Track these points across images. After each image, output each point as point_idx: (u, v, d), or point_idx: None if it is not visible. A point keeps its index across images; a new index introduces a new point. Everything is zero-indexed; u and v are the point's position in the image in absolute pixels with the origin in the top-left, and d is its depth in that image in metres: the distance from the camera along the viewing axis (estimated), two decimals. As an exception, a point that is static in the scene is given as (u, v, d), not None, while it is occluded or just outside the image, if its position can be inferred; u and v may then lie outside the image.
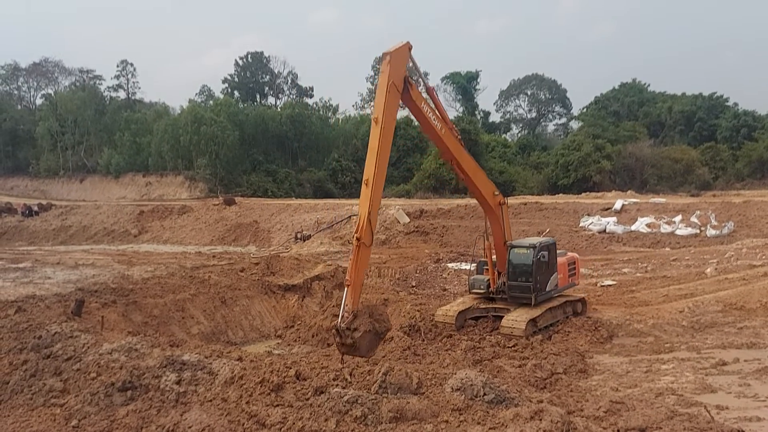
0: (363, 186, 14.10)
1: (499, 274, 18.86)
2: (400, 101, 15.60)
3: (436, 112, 16.92)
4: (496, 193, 18.57)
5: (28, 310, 16.66)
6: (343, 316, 12.81)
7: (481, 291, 19.15)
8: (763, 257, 26.03)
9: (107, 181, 77.01)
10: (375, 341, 13.33)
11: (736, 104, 73.44)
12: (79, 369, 12.39)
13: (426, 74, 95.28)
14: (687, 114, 73.49)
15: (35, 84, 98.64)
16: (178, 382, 11.39)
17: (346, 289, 13.21)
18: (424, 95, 16.56)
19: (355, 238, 13.59)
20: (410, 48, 15.95)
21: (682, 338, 17.53)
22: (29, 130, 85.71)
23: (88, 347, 13.05)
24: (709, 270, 25.20)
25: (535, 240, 19.65)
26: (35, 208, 61.07)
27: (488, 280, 18.96)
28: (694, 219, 38.45)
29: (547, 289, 18.70)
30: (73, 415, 11.05)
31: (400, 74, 15.40)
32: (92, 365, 12.37)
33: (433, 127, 16.65)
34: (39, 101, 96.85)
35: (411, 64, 16.26)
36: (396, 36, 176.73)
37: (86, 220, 57.22)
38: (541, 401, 10.72)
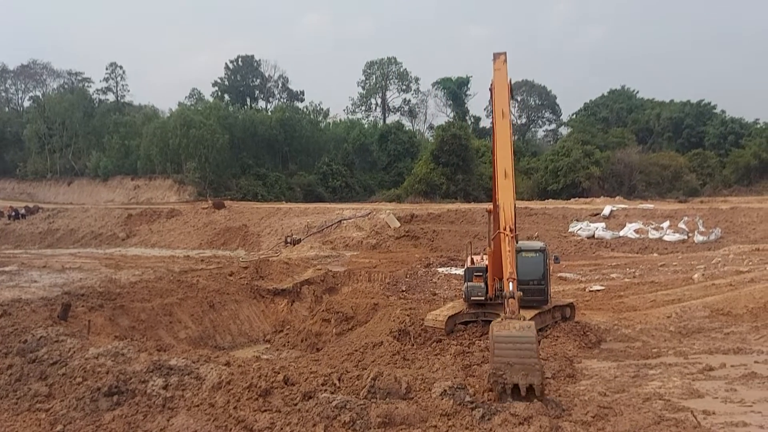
0: (501, 178, 14.10)
1: (498, 279, 18.89)
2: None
3: None
4: None
5: (13, 314, 16.47)
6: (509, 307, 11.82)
7: (480, 298, 19.04)
8: (750, 263, 26.23)
9: (95, 184, 76.58)
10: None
11: (723, 111, 74.29)
12: (65, 373, 12.25)
13: (417, 79, 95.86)
14: (675, 121, 74.13)
15: (23, 86, 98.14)
16: (165, 387, 11.29)
17: (511, 284, 12.69)
18: None
19: (508, 229, 13.58)
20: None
21: (670, 343, 17.60)
22: (17, 133, 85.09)
23: (74, 352, 12.91)
24: (696, 276, 25.36)
25: (538, 244, 19.76)
26: (22, 211, 60.63)
27: (485, 286, 18.96)
28: (681, 225, 38.74)
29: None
30: (59, 420, 10.93)
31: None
32: (78, 370, 12.24)
33: (509, 122, 16.85)
34: (27, 103, 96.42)
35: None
36: (388, 41, 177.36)
37: (73, 223, 56.82)
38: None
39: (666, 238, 37.75)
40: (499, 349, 11.05)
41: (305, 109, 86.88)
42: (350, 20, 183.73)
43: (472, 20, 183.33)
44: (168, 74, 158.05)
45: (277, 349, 21.53)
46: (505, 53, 16.03)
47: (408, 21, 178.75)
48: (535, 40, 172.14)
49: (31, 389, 11.94)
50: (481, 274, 19.25)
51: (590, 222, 41.46)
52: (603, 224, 40.63)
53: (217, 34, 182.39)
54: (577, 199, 54.31)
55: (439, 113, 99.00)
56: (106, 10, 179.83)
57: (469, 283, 19.56)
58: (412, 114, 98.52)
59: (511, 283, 12.64)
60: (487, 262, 18.93)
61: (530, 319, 17.88)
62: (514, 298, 12.08)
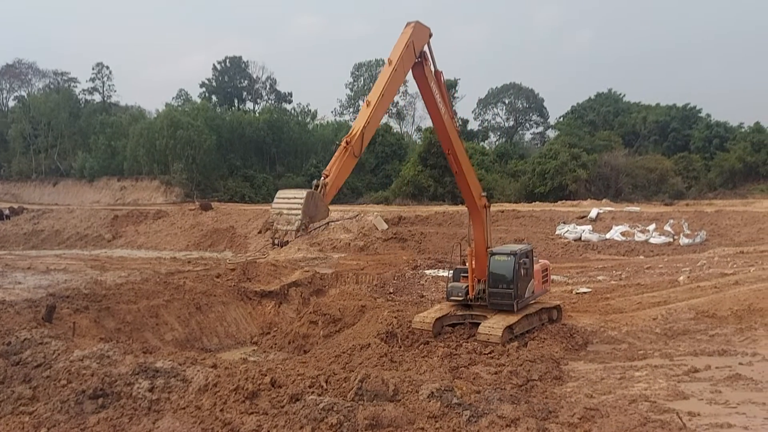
0: (364, 106, 15.89)
1: (479, 281, 18.92)
2: (413, 76, 17.82)
3: (442, 96, 18.23)
4: (483, 194, 19.27)
5: (-4, 315, 16.31)
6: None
7: (460, 298, 19.21)
8: (735, 266, 26.48)
9: (81, 185, 75.93)
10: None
11: (708, 115, 74.93)
12: (49, 376, 12.14)
13: (405, 82, 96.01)
14: (661, 124, 74.72)
15: (8, 86, 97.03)
16: (151, 390, 11.22)
17: (323, 179, 14.89)
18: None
19: (344, 141, 15.14)
20: (431, 35, 17.67)
21: (656, 345, 17.72)
22: (1, 133, 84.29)
23: (59, 354, 12.80)
24: (681, 278, 25.56)
25: (516, 247, 19.72)
26: (6, 212, 59.96)
27: (466, 287, 19.00)
28: (667, 228, 39.00)
29: (526, 296, 18.83)
30: (43, 423, 10.82)
31: (420, 41, 17.21)
32: (63, 372, 12.13)
33: (437, 109, 17.98)
34: (12, 103, 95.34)
35: (427, 49, 17.73)
36: (377, 43, 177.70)
37: (59, 224, 56.24)
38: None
39: (652, 240, 38.00)
40: (277, 204, 14.25)
41: (293, 111, 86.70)
42: (339, 23, 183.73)
43: (460, 23, 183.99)
44: (155, 75, 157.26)
45: (264, 351, 21.44)
46: (415, 22, 17.03)
47: (398, 23, 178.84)
48: (522, 43, 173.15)
49: (14, 392, 11.80)
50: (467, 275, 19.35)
51: (577, 224, 41.63)
52: (590, 227, 40.82)
53: (205, 35, 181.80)
54: (564, 201, 54.54)
55: (427, 115, 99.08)
56: (92, 10, 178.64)
57: (452, 283, 19.68)
58: (399, 116, 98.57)
59: (324, 176, 15.06)
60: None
61: (517, 322, 18.11)
62: (318, 189, 14.67)
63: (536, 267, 19.81)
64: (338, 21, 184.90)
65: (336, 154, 15.35)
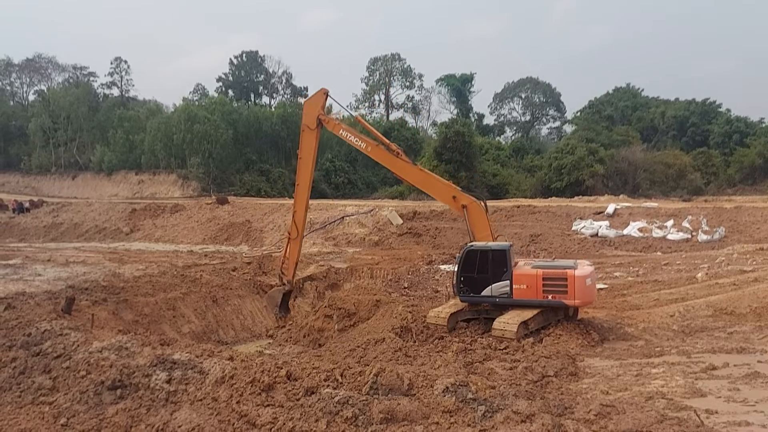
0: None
1: None
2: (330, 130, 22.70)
3: (361, 135, 21.99)
4: (455, 196, 19.51)
5: (17, 307, 16.55)
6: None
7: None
8: (754, 263, 26.16)
9: (99, 178, 76.67)
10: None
11: (728, 110, 74.12)
12: (69, 367, 12.30)
13: (421, 76, 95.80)
14: (680, 119, 73.93)
15: (28, 80, 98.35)
16: (169, 381, 11.34)
17: (282, 263, 23.42)
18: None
19: (287, 234, 23.26)
20: (326, 93, 22.43)
21: (673, 342, 17.57)
22: (21, 126, 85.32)
23: (78, 345, 12.97)
24: (700, 275, 25.29)
25: (482, 244, 19.09)
26: (26, 205, 60.75)
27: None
28: (685, 224, 38.58)
29: (483, 294, 18.35)
30: (62, 413, 10.99)
31: (311, 117, 22.17)
32: (82, 363, 12.29)
33: (357, 145, 21.89)
34: (32, 97, 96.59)
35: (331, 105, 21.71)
36: (391, 38, 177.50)
37: (78, 217, 56.87)
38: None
39: (670, 236, 37.60)
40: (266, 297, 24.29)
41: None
42: (356, 17, 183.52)
43: (477, 18, 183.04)
44: (172, 69, 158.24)
45: (280, 345, 21.58)
46: (304, 102, 22.14)
47: (413, 17, 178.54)
48: (540, 37, 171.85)
49: (35, 382, 11.99)
50: None
51: (594, 220, 41.29)
52: (606, 223, 40.46)
53: (221, 30, 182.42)
54: (580, 197, 54.10)
55: (442, 110, 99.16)
56: (110, 4, 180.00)
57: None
58: (415, 111, 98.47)
59: (282, 262, 23.86)
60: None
61: (532, 318, 18.05)
62: (286, 277, 23.73)
63: (531, 271, 18.34)
64: (353, 16, 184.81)
65: (286, 242, 22.87)
